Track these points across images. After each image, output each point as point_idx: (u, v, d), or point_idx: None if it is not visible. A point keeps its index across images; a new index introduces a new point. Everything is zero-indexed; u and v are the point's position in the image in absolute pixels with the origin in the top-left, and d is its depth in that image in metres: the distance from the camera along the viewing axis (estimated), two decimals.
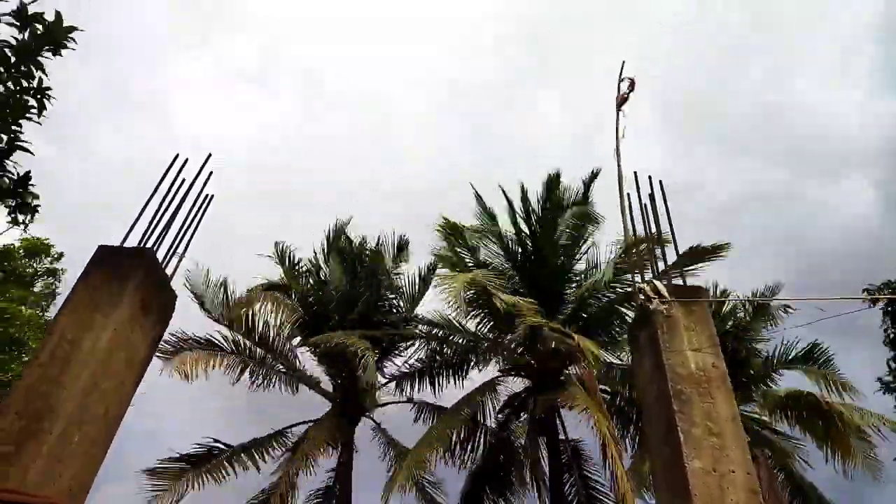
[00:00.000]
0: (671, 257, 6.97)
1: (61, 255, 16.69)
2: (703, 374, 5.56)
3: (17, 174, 6.39)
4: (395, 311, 15.07)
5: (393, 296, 15.15)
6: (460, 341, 14.33)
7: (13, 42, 6.00)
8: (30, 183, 6.41)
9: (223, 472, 13.04)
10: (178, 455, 12.92)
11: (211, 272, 13.73)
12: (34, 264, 15.73)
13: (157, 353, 12.78)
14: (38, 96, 6.22)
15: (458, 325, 13.90)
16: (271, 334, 14.03)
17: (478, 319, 13.59)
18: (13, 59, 5.98)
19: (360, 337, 12.79)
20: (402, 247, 15.64)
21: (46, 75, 6.23)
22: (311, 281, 15.12)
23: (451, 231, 14.11)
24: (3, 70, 5.93)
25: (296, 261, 15.08)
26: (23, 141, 6.11)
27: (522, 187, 14.69)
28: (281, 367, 14.47)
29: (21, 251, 15.53)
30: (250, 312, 13.18)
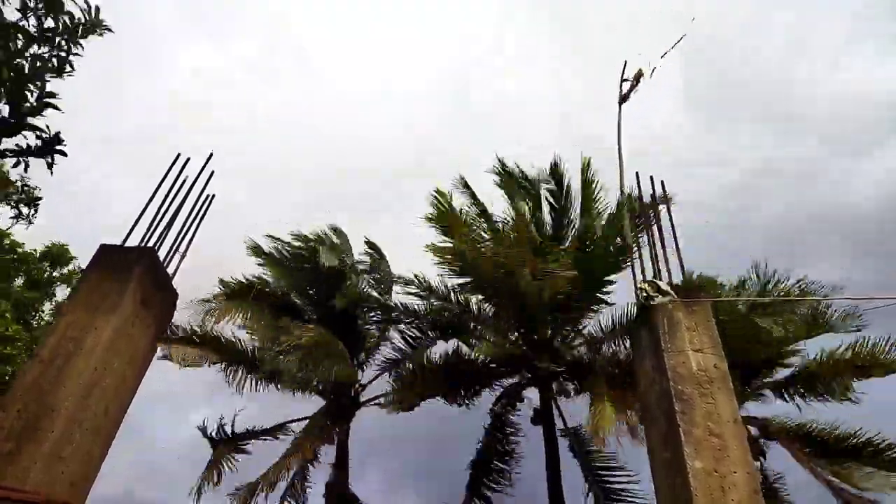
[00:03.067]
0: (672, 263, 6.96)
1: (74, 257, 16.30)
2: (705, 375, 5.59)
3: (50, 133, 6.09)
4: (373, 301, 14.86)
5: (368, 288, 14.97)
6: (450, 314, 14.20)
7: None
8: (62, 143, 6.08)
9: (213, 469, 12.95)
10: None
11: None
12: (54, 271, 15.36)
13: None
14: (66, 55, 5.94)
15: (445, 291, 13.72)
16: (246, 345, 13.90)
17: (470, 294, 13.51)
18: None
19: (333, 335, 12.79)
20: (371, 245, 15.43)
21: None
22: (280, 284, 14.88)
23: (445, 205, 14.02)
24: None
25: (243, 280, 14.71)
26: (53, 97, 5.83)
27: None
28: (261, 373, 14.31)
29: (37, 254, 15.12)
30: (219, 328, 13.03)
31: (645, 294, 6.25)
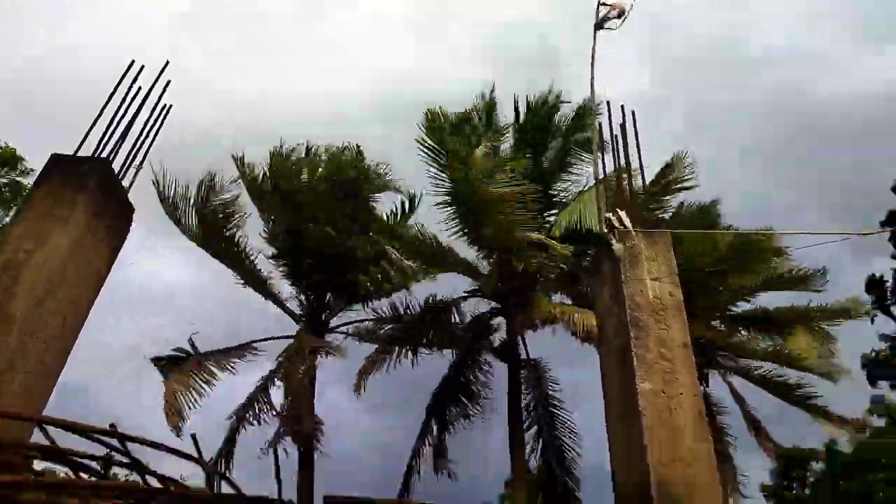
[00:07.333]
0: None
1: (31, 171, 15.81)
2: (660, 303, 5.70)
3: None
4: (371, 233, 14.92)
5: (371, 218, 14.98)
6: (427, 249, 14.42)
7: None
8: None
9: (195, 377, 13.04)
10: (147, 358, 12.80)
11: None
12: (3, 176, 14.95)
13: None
14: None
15: (433, 242, 13.85)
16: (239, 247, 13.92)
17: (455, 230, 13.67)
18: None
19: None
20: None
21: None
22: (279, 194, 14.79)
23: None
24: None
25: (257, 174, 14.62)
26: None
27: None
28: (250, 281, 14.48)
29: None
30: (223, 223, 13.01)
31: (608, 225, 6.29)
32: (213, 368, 13.07)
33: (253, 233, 14.46)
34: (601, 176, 7.82)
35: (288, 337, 14.22)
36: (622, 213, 6.35)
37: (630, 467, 5.14)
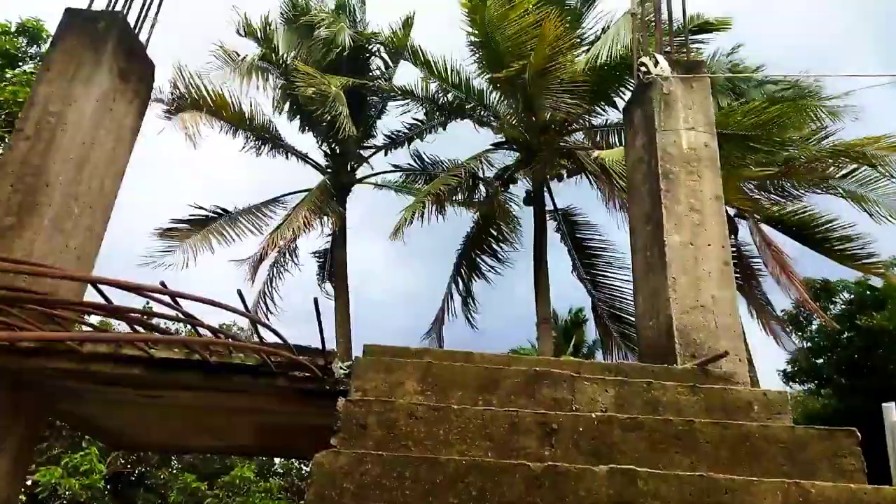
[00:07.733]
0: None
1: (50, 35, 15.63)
2: (694, 153, 5.59)
3: None
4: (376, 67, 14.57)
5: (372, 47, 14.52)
6: (452, 99, 14.16)
7: None
8: None
9: (223, 235, 13.61)
10: (178, 218, 13.30)
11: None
12: (28, 48, 14.89)
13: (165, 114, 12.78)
14: None
15: (448, 75, 13.49)
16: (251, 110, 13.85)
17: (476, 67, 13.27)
18: None
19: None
20: None
21: None
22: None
23: None
24: None
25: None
26: None
27: None
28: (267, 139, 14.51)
29: (12, 29, 14.58)
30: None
31: (644, 69, 6.00)
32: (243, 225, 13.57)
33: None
34: (636, 9, 7.37)
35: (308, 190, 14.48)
36: (659, 56, 6.03)
37: (654, 314, 5.33)
